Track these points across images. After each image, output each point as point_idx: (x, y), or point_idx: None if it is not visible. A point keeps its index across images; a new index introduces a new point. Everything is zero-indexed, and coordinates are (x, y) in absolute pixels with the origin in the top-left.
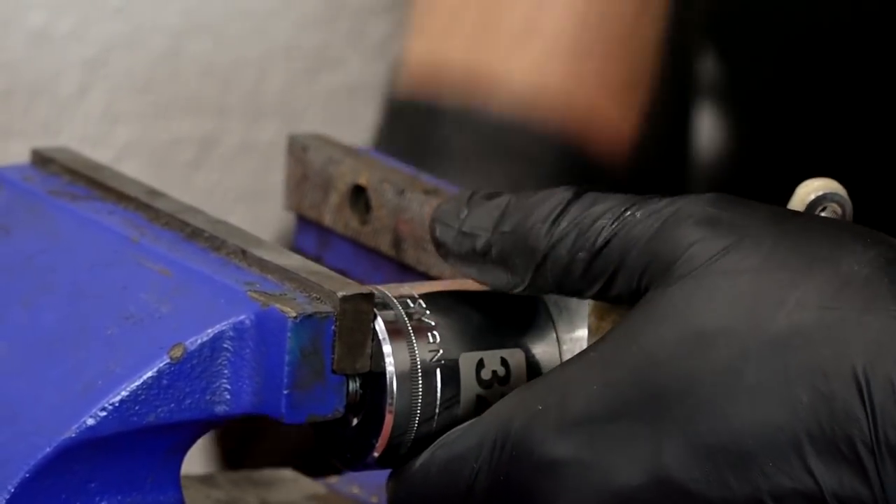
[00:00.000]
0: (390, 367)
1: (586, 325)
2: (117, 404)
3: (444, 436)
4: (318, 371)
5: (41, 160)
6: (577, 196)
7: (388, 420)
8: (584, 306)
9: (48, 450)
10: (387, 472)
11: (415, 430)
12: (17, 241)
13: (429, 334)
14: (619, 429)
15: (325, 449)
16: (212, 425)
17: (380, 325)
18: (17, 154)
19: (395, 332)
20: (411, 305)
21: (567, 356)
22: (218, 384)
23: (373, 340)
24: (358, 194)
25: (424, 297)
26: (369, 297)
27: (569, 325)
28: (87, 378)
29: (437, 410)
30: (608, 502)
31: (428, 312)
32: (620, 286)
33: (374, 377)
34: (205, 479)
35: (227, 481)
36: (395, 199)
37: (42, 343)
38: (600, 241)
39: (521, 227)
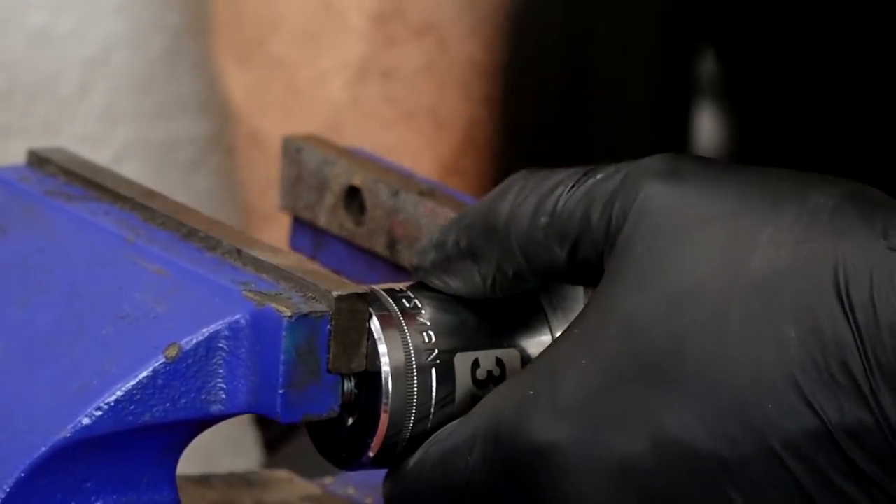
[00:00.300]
0: (385, 367)
1: None
2: (113, 404)
3: (438, 432)
4: (313, 370)
5: (37, 160)
6: (531, 174)
7: (383, 419)
8: (580, 305)
9: (44, 449)
10: (382, 472)
11: (410, 429)
12: (12, 241)
13: (424, 334)
14: (613, 400)
15: (320, 448)
16: (207, 425)
17: (375, 324)
18: (17, 153)
19: (390, 331)
20: (407, 305)
21: None
22: (213, 384)
23: (368, 340)
24: (352, 195)
25: (420, 296)
26: (364, 296)
27: (564, 325)
28: (82, 377)
29: (432, 410)
30: (615, 476)
31: (423, 312)
32: (587, 248)
33: (370, 376)
34: (200, 480)
35: (222, 482)
36: (390, 200)
37: (38, 342)
38: (561, 202)
39: (480, 213)
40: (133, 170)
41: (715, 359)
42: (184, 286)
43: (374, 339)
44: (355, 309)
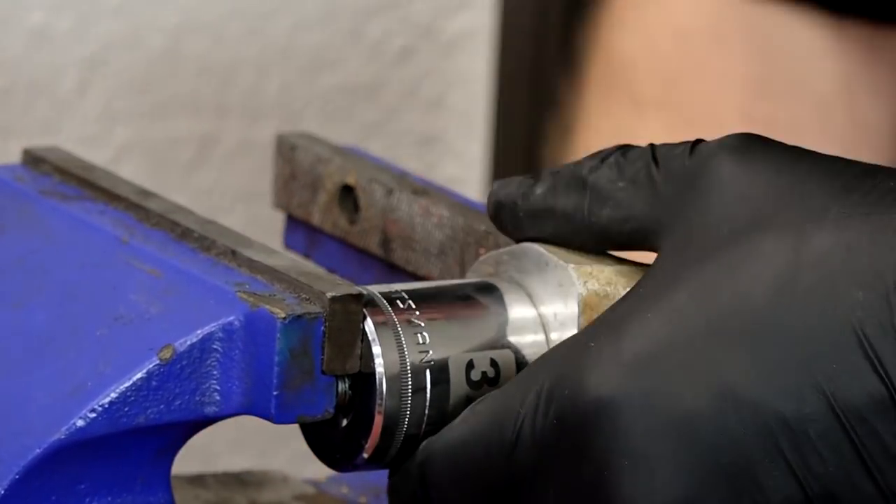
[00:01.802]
0: (379, 368)
1: (576, 325)
2: (107, 405)
3: (479, 399)
4: (307, 372)
5: (32, 159)
6: (621, 146)
7: (378, 421)
8: (574, 306)
9: (38, 451)
10: (375, 472)
11: (404, 431)
12: (7, 241)
13: (418, 335)
14: (678, 355)
15: (314, 449)
16: (201, 426)
17: (369, 325)
18: (16, 153)
19: (384, 332)
20: (401, 306)
21: None
22: (207, 385)
23: (362, 341)
24: (346, 194)
25: (414, 297)
26: (358, 297)
27: (559, 326)
28: (76, 379)
29: (426, 412)
30: (674, 430)
31: (417, 313)
32: (649, 217)
33: (364, 378)
34: (194, 480)
35: (216, 481)
36: (384, 199)
37: (32, 344)
38: (638, 172)
39: (571, 165)
40: (132, 169)
41: (782, 317)
42: (178, 287)
43: (368, 341)
44: (349, 310)
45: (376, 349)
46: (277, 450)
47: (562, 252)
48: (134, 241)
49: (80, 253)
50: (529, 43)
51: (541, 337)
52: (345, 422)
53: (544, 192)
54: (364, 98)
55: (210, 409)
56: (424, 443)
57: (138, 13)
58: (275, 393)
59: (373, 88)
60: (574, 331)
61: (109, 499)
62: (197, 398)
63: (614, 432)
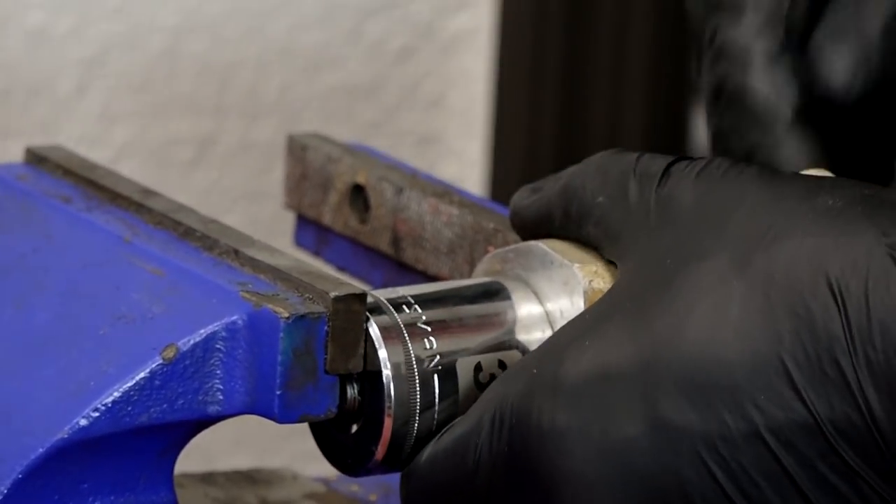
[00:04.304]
0: (387, 373)
1: None
2: (110, 405)
3: (449, 424)
4: (310, 371)
5: (35, 159)
6: (613, 153)
7: (388, 426)
8: (581, 303)
9: (41, 450)
10: (388, 475)
11: (414, 435)
12: (9, 240)
13: (425, 339)
14: (613, 384)
15: (326, 454)
16: (204, 425)
17: (375, 330)
18: (15, 154)
19: (391, 337)
20: (407, 310)
21: None
22: (210, 384)
23: (370, 346)
24: (357, 193)
25: (420, 301)
26: (362, 297)
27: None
28: (79, 378)
29: (435, 415)
30: (611, 457)
31: (424, 317)
32: (619, 229)
33: (373, 383)
34: (203, 478)
35: (226, 479)
36: (394, 198)
37: (35, 343)
38: (612, 188)
39: (565, 175)
40: (131, 169)
41: (712, 348)
42: (181, 286)
43: (374, 346)
44: (352, 310)
45: (383, 353)
46: (278, 449)
47: (567, 250)
48: (136, 241)
49: (83, 252)
50: (529, 43)
51: (548, 334)
52: (355, 427)
53: (542, 200)
54: (364, 98)
55: (213, 409)
56: (403, 475)
57: (138, 13)
58: (278, 392)
59: (373, 88)
60: None
61: (112, 498)
62: (200, 397)
63: (555, 459)
